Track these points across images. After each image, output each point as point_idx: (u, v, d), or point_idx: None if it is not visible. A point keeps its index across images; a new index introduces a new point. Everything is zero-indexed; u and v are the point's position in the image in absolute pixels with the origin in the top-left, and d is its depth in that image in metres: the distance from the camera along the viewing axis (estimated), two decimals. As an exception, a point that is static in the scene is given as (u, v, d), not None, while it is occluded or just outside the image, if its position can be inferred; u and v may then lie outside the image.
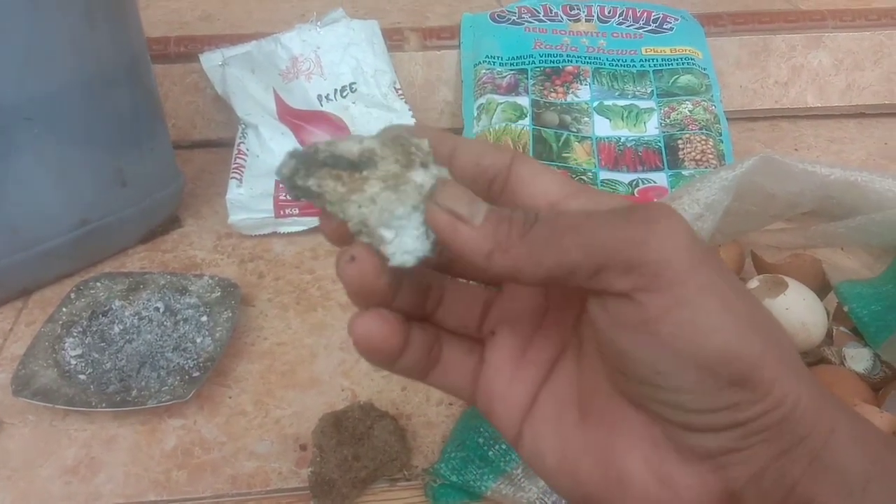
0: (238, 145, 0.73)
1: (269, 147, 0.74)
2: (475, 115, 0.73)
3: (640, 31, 0.79)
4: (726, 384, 0.21)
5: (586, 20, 0.80)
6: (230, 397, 0.52)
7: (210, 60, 0.75)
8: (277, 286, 0.62)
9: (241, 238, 0.67)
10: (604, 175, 0.67)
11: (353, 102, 0.76)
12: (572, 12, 0.80)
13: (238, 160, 0.71)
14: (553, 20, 0.80)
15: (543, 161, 0.67)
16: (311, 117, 0.75)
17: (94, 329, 0.55)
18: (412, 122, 0.76)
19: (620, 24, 0.80)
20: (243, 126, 0.74)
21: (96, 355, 0.53)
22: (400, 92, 0.77)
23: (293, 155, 0.24)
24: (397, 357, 0.25)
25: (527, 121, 0.70)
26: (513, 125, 0.70)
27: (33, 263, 0.58)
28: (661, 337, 0.21)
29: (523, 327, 0.26)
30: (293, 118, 0.76)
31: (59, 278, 0.62)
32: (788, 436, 0.21)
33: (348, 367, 0.55)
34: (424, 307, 0.26)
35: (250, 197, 0.69)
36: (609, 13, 0.80)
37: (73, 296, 0.57)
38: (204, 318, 0.56)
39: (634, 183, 0.67)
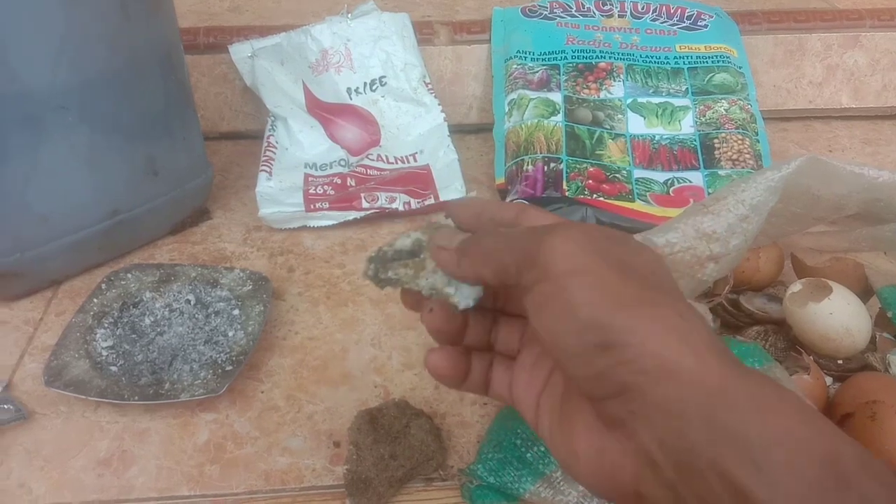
0: (267, 137, 0.73)
1: (297, 140, 0.74)
2: (506, 110, 0.72)
3: (674, 27, 0.78)
4: (596, 349, 0.26)
5: (619, 16, 0.79)
6: (262, 392, 0.52)
7: (239, 52, 0.75)
8: (308, 280, 0.61)
9: (271, 231, 0.67)
10: (638, 173, 0.66)
11: (383, 96, 0.75)
12: (605, 7, 0.79)
13: (268, 153, 0.71)
14: (586, 15, 0.79)
15: (577, 158, 0.66)
16: (340, 110, 0.75)
17: (125, 320, 0.55)
18: (441, 116, 0.76)
19: (654, 20, 0.78)
20: (272, 118, 0.74)
21: (127, 347, 0.53)
22: (430, 86, 0.76)
23: (371, 259, 0.34)
24: (462, 382, 0.34)
25: (559, 117, 0.69)
26: (545, 121, 0.69)
27: (63, 253, 0.57)
28: (550, 315, 0.27)
29: (533, 348, 0.34)
30: (322, 111, 0.75)
31: (89, 269, 0.61)
32: (674, 400, 0.24)
33: (380, 363, 0.54)
34: (489, 339, 0.35)
35: (280, 190, 0.68)
36: (642, 9, 0.79)
37: (103, 286, 0.57)
38: (236, 312, 0.55)
39: (669, 182, 0.66)
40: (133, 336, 0.54)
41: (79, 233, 0.57)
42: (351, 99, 0.75)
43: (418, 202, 0.68)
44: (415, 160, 0.74)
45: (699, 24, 0.78)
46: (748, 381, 0.25)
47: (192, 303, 0.56)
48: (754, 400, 0.24)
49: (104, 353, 0.52)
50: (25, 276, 0.57)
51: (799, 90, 0.83)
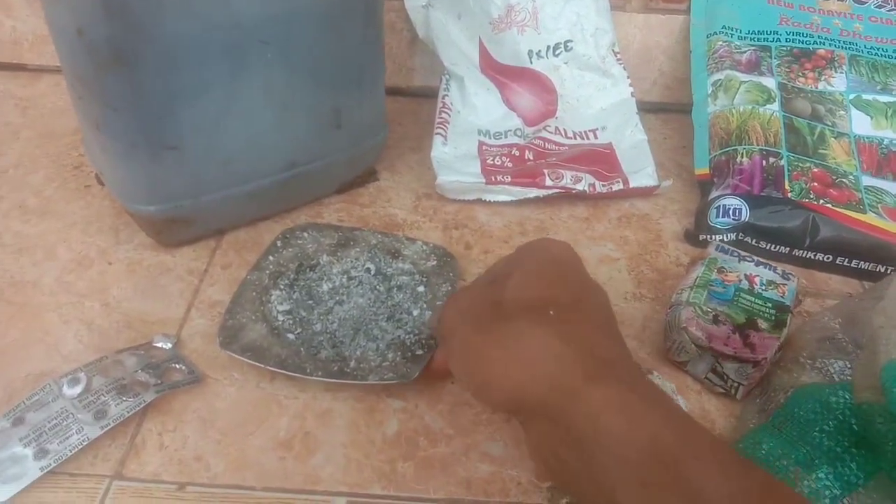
0: (442, 98, 0.66)
1: (471, 103, 0.67)
2: (709, 90, 0.64)
3: (903, 17, 0.68)
4: (477, 391, 0.35)
5: (839, -2, 0.70)
6: (452, 382, 0.46)
7: (414, 0, 0.68)
8: (487, 261, 0.55)
9: (442, 200, 0.61)
10: (867, 181, 0.58)
11: (566, 62, 0.68)
12: (822, -13, 0.70)
13: (442, 114, 0.65)
14: (800, -6, 0.70)
15: (798, 155, 0.58)
16: (517, 74, 0.68)
17: (302, 284, 0.50)
18: (629, 90, 0.68)
19: (879, 7, 0.69)
20: (447, 77, 0.68)
21: (304, 314, 0.48)
22: (619, 56, 0.69)
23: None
24: None
25: (776, 106, 0.61)
26: (760, 109, 0.61)
27: (237, 202, 0.53)
28: (455, 375, 0.37)
29: None
30: (497, 73, 0.68)
31: (254, 221, 0.57)
32: (541, 410, 0.32)
33: (577, 365, 0.48)
34: None
35: (455, 157, 0.62)
36: (865, -8, 0.70)
37: (279, 244, 0.52)
38: (421, 289, 0.50)
39: (903, 194, 0.57)
40: (310, 302, 0.49)
41: (256, 182, 0.52)
42: (531, 63, 0.68)
43: (604, 185, 0.61)
44: (595, 137, 0.67)
45: (932, 15, 0.68)
46: (585, 389, 0.30)
47: (372, 272, 0.51)
48: (587, 405, 0.30)
49: (280, 317, 0.47)
50: (195, 223, 0.53)
51: None
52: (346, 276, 0.51)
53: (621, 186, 0.61)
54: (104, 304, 0.50)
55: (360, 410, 0.44)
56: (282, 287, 0.49)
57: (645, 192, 0.62)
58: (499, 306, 0.35)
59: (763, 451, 0.40)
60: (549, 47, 0.68)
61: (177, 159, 0.48)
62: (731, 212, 0.56)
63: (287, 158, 0.53)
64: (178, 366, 0.46)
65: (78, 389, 0.43)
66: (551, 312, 0.33)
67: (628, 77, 0.68)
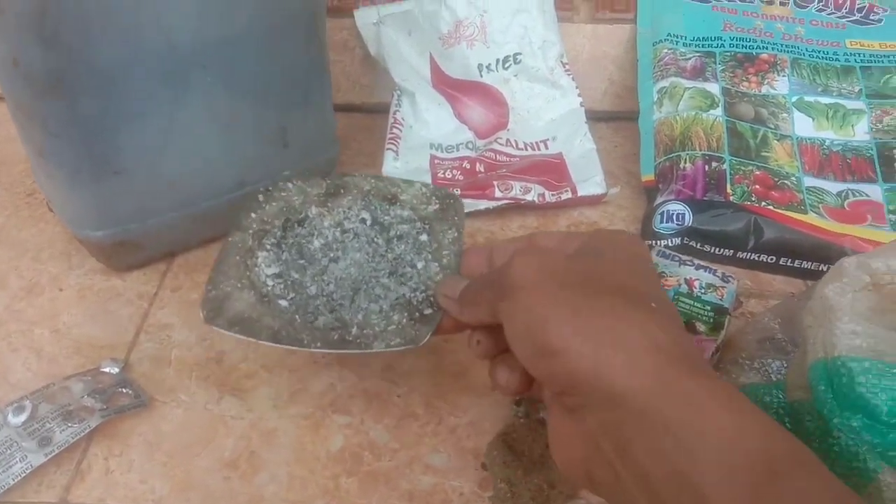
0: (393, 113, 0.67)
1: (423, 118, 0.68)
2: (655, 98, 0.65)
3: (843, 20, 0.70)
4: (540, 355, 0.30)
5: (781, 3, 0.71)
6: (399, 396, 0.47)
7: (365, 17, 0.69)
8: (437, 273, 0.56)
9: (394, 215, 0.61)
10: (808, 181, 0.59)
11: (515, 75, 0.69)
12: (765, -7, 0.72)
13: (394, 130, 0.66)
14: (743, 0, 0.71)
15: (741, 158, 0.59)
16: (468, 88, 0.69)
17: (290, 242, 0.46)
18: (578, 101, 0.69)
19: (820, 10, 0.70)
20: (398, 93, 0.68)
21: (296, 276, 0.44)
22: (567, 67, 0.70)
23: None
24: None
25: (719, 111, 0.62)
26: (703, 114, 0.62)
27: (186, 224, 0.53)
28: (508, 326, 0.32)
29: None
30: (448, 87, 0.69)
31: (204, 242, 0.57)
32: (610, 395, 0.28)
33: (524, 374, 0.48)
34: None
35: (406, 171, 0.63)
36: (807, -3, 0.71)
37: (261, 198, 0.47)
38: (424, 238, 0.46)
39: (844, 194, 0.58)
40: (301, 262, 0.45)
41: (204, 203, 0.53)
42: (481, 76, 0.69)
43: (553, 195, 0.62)
44: (546, 147, 0.68)
45: (871, 18, 0.70)
46: (689, 382, 0.28)
47: (368, 223, 0.47)
48: (690, 397, 0.27)
49: (270, 282, 0.43)
50: (144, 247, 0.53)
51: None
52: (339, 229, 0.47)
53: (570, 195, 0.62)
54: (54, 330, 0.51)
55: (306, 427, 0.45)
56: (268, 247, 0.45)
57: (593, 201, 0.63)
58: (590, 280, 0.32)
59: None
60: (498, 60, 0.69)
61: (122, 184, 0.49)
62: (674, 217, 0.56)
63: (235, 178, 0.53)
64: (124, 390, 0.46)
65: (23, 417, 0.43)
66: (653, 305, 0.31)
67: (577, 87, 0.69)
